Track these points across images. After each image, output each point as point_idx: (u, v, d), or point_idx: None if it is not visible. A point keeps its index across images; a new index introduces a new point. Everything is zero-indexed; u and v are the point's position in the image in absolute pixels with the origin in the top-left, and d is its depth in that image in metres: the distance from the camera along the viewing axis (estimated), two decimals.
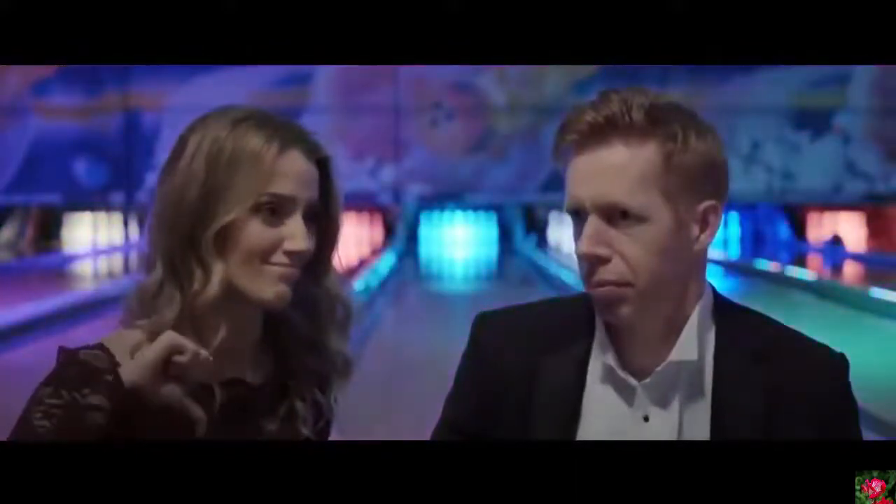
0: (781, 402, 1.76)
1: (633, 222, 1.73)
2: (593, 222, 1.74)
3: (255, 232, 1.75)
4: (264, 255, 1.76)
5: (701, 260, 1.80)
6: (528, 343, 1.84)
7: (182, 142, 1.79)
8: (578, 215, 1.76)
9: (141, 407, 1.71)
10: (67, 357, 1.72)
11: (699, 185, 1.75)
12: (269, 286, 1.76)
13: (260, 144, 1.76)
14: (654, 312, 1.76)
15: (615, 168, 1.73)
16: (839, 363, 1.82)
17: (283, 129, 1.79)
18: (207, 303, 1.75)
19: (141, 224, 1.84)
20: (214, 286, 1.75)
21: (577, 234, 1.77)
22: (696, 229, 1.77)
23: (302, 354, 1.85)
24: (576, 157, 1.75)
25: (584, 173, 1.74)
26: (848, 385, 1.81)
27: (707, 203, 1.77)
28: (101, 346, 1.74)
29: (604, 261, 1.74)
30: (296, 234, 1.76)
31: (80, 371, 1.69)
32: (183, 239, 1.75)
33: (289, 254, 1.76)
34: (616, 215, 1.73)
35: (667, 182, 1.73)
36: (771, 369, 1.78)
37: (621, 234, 1.73)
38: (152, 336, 1.74)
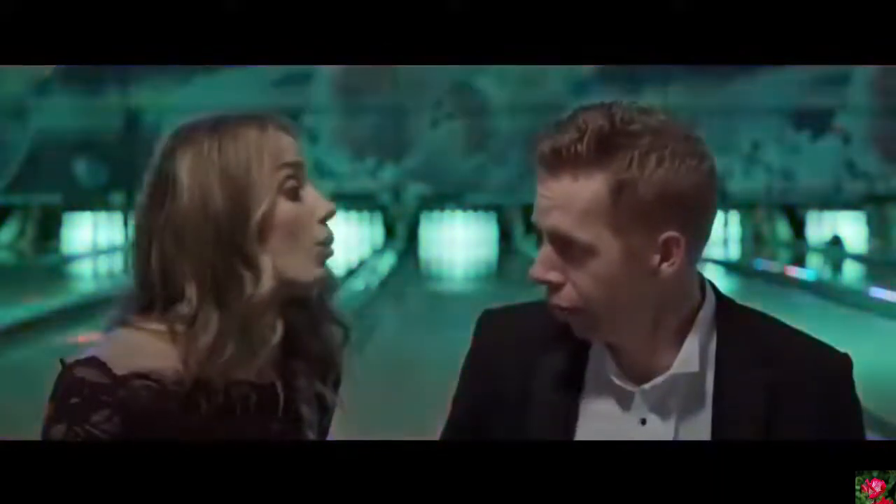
0: (784, 404, 1.75)
1: (579, 254, 1.71)
2: (545, 249, 1.73)
3: (288, 210, 1.76)
4: (304, 232, 1.77)
5: (673, 284, 1.74)
6: (528, 340, 1.84)
7: (167, 167, 1.76)
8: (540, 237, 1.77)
9: (145, 411, 1.73)
10: (64, 378, 1.74)
11: (656, 215, 1.69)
12: (317, 266, 1.78)
13: (256, 131, 1.78)
14: (621, 332, 1.75)
15: (562, 200, 1.70)
16: (843, 363, 1.81)
17: (263, 115, 1.81)
18: (265, 300, 1.74)
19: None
20: (268, 281, 1.74)
21: None
22: (655, 259, 1.71)
23: (303, 342, 1.84)
24: (539, 180, 1.74)
25: (539, 201, 1.73)
26: (852, 385, 1.80)
27: (667, 234, 1.70)
28: (94, 360, 1.74)
29: (555, 287, 1.73)
30: (319, 201, 1.79)
31: (80, 398, 1.72)
32: (222, 250, 1.74)
33: (323, 220, 1.78)
34: (564, 246, 1.71)
35: (616, 215, 1.69)
36: (773, 372, 1.76)
37: (570, 262, 1.72)
38: (189, 357, 1.74)
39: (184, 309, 1.74)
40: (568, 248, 1.71)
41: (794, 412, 1.75)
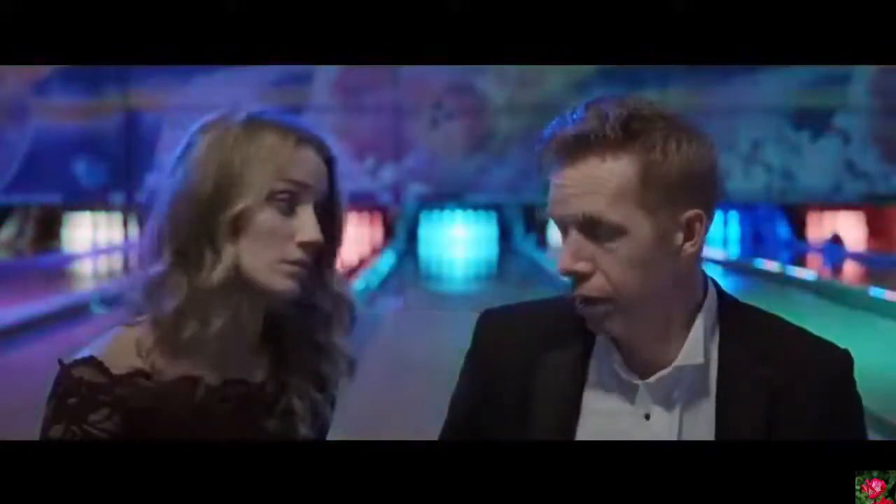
0: (786, 399, 1.77)
1: (611, 237, 1.72)
2: (573, 238, 1.74)
3: (270, 219, 1.77)
4: (278, 246, 1.77)
5: (690, 267, 1.78)
6: (528, 340, 1.85)
7: (192, 142, 1.81)
8: (561, 229, 1.77)
9: (143, 409, 1.74)
10: (62, 378, 1.75)
11: (680, 195, 1.74)
12: (282, 279, 1.78)
13: (277, 139, 1.79)
14: (643, 321, 1.76)
15: (591, 183, 1.72)
16: (843, 359, 1.82)
17: (297, 126, 1.82)
18: (213, 285, 1.76)
19: (141, 221, 1.85)
20: (222, 269, 1.76)
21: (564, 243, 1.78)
22: (679, 238, 1.75)
23: (302, 353, 1.86)
24: (555, 172, 1.75)
25: (562, 189, 1.74)
26: (852, 381, 1.81)
27: (691, 212, 1.75)
28: (91, 360, 1.75)
29: (585, 277, 1.74)
30: (308, 224, 1.79)
31: (78, 397, 1.73)
32: (195, 226, 1.77)
33: (302, 245, 1.78)
34: (595, 230, 1.73)
35: (644, 195, 1.72)
36: (775, 367, 1.78)
37: (601, 248, 1.73)
38: (156, 329, 1.76)
39: (156, 268, 1.77)
40: (598, 233, 1.73)
41: (796, 408, 1.77)
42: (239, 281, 1.77)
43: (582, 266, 1.74)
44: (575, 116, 1.74)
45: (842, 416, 1.79)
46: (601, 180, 1.72)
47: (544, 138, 1.76)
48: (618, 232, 1.72)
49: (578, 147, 1.73)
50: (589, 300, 1.75)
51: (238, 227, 1.77)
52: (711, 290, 1.82)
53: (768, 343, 1.80)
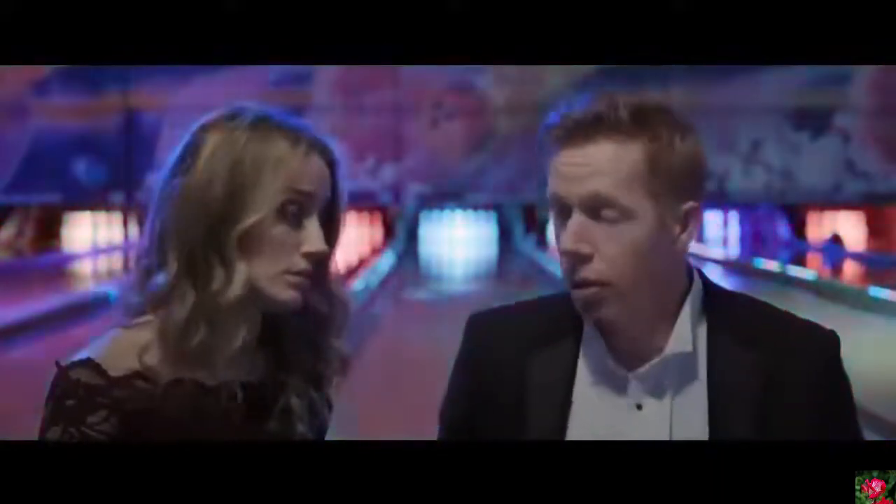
0: (777, 382, 1.78)
1: (617, 219, 1.73)
2: (577, 218, 1.74)
3: (279, 233, 1.76)
4: (285, 258, 1.76)
5: (681, 257, 1.81)
6: (517, 340, 1.85)
7: (197, 141, 1.78)
8: (561, 211, 1.77)
9: (141, 411, 1.73)
10: (59, 380, 1.74)
11: (681, 187, 1.76)
12: (286, 290, 1.77)
13: (286, 147, 1.77)
14: (636, 310, 1.77)
15: (602, 163, 1.73)
16: (830, 339, 1.84)
17: (303, 130, 1.80)
18: (230, 303, 1.75)
19: (142, 221, 1.83)
20: (238, 286, 1.75)
21: (559, 230, 1.78)
22: (677, 230, 1.77)
23: (299, 353, 1.85)
24: (561, 151, 1.75)
25: (570, 168, 1.75)
26: (840, 361, 1.83)
27: (689, 205, 1.77)
28: (89, 362, 1.74)
29: (585, 258, 1.74)
30: (314, 235, 1.77)
31: (76, 399, 1.72)
32: (204, 236, 1.75)
33: (307, 255, 1.77)
34: (601, 211, 1.74)
35: (652, 183, 1.74)
36: (763, 350, 1.80)
37: (604, 231, 1.74)
38: (163, 335, 1.75)
39: (162, 278, 1.75)
40: (604, 214, 1.74)
41: (788, 391, 1.79)
42: (250, 293, 1.77)
43: (584, 247, 1.74)
44: (583, 101, 1.76)
45: (834, 398, 1.81)
46: (612, 162, 1.73)
47: (551, 120, 1.76)
48: (625, 215, 1.73)
49: (589, 128, 1.74)
50: (585, 283, 1.75)
51: (248, 240, 1.75)
52: (696, 279, 1.84)
53: (756, 327, 1.82)
